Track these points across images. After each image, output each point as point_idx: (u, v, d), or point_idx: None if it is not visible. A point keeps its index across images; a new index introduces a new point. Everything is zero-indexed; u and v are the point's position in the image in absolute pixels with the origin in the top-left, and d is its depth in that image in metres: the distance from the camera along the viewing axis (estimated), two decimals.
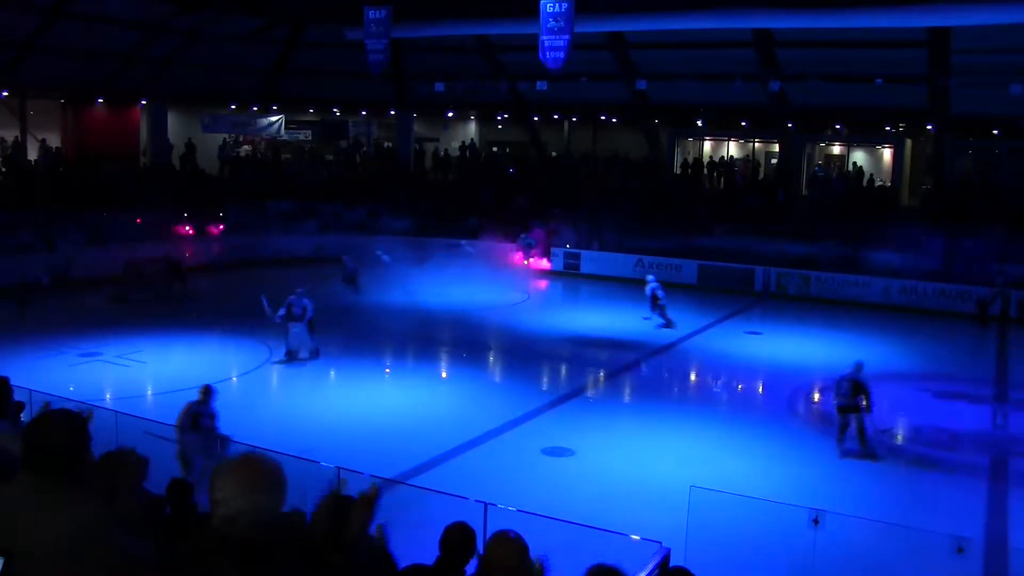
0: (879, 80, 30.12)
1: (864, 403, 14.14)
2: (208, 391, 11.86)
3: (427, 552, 5.25)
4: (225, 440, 11.62)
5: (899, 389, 18.41)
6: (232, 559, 2.90)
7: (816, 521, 9.11)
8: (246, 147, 42.89)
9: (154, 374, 17.80)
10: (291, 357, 18.81)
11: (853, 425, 14.17)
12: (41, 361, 18.02)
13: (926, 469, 14.11)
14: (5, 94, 32.60)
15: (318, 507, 4.84)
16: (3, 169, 32.16)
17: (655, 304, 23.26)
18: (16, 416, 8.03)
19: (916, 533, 9.94)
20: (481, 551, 4.42)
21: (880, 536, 10.46)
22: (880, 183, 36.11)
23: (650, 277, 24.16)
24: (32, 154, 34.06)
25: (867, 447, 14.12)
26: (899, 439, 15.89)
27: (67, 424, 3.18)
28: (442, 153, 43.94)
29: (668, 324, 23.06)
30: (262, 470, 3.00)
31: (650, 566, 6.71)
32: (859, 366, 14.53)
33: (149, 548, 3.17)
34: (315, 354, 19.11)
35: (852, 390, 14.19)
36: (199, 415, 11.66)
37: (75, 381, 16.70)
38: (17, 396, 8.56)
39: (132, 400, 15.31)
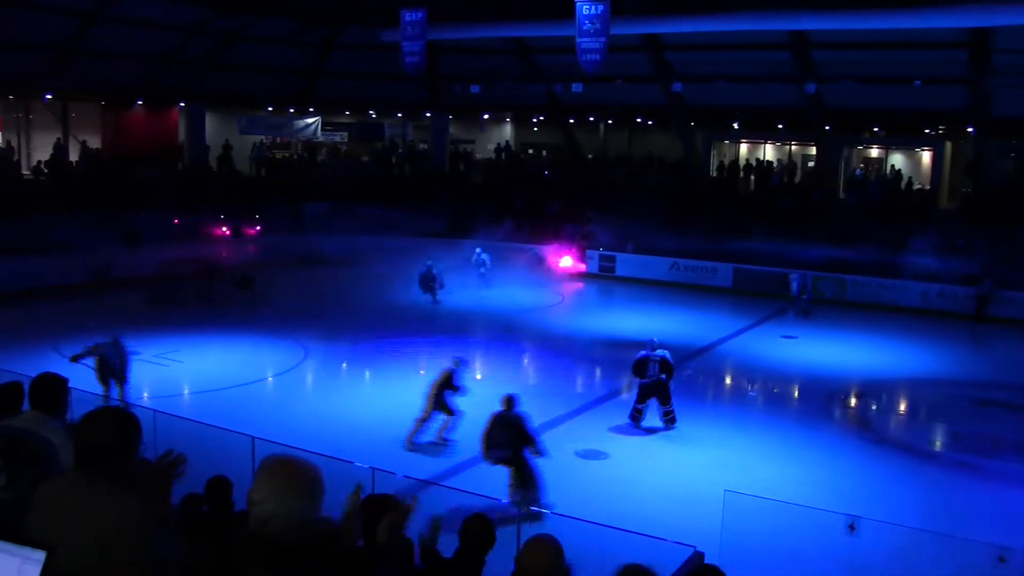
0: (917, 82, 29.76)
1: None
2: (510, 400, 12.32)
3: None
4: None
5: (938, 394, 18.18)
6: (263, 561, 2.90)
7: (852, 527, 9.02)
8: (281, 151, 43.18)
9: (191, 374, 17.99)
10: None
11: None
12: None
13: (966, 476, 13.93)
14: (48, 97, 33.19)
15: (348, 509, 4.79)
16: (46, 171, 32.67)
17: None
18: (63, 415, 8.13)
19: (955, 541, 9.80)
20: (514, 554, 4.43)
21: (918, 544, 10.33)
22: (919, 186, 35.67)
23: None
24: (74, 156, 34.58)
25: None
26: (937, 445, 15.71)
27: (116, 423, 3.23)
28: (475, 155, 44.02)
29: None
30: (299, 473, 2.99)
31: (683, 569, 6.69)
32: None
33: (183, 549, 3.19)
34: None
35: None
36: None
37: None
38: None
39: (170, 399, 15.49)
